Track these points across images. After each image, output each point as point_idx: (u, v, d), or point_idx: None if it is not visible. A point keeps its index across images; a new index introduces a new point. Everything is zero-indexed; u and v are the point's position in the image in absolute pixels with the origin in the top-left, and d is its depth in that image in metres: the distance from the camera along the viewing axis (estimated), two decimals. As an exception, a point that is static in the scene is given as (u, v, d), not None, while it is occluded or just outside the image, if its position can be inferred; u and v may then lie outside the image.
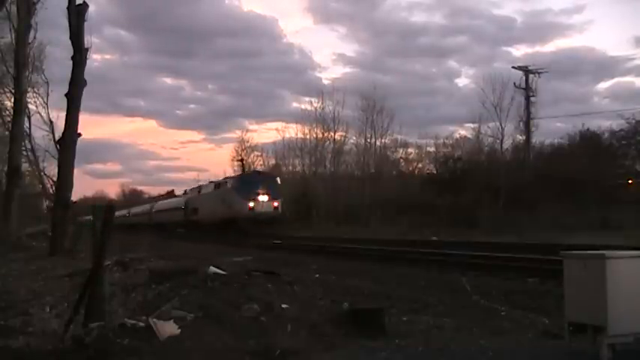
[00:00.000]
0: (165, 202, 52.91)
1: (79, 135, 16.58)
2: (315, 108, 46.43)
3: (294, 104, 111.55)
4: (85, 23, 16.51)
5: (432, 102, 68.78)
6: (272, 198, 31.43)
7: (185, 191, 63.28)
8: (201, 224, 36.44)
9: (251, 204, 30.66)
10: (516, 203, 29.85)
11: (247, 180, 33.03)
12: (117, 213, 51.98)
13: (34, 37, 24.45)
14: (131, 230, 45.72)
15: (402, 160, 47.56)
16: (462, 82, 73.57)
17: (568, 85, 61.19)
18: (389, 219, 34.82)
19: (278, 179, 34.96)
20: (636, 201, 25.90)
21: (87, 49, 16.60)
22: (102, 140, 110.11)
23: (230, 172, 53.37)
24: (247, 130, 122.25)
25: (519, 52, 76.61)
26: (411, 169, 47.23)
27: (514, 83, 36.23)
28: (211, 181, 41.89)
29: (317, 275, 10.46)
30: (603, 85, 69.44)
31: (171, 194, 70.00)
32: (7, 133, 25.65)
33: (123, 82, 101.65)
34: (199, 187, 42.20)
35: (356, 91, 51.80)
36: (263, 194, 31.13)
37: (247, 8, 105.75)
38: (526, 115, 35.65)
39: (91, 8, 16.97)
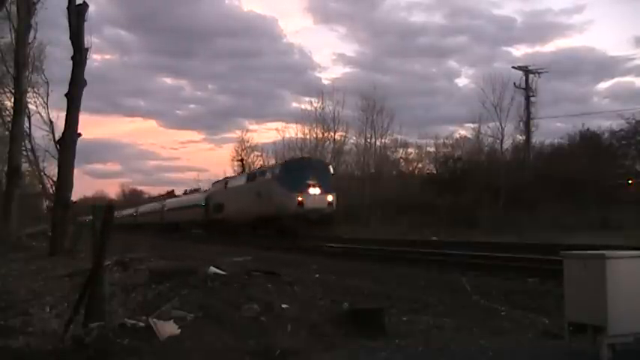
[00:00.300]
0: (179, 200, 48.55)
1: (79, 135, 16.61)
2: (315, 108, 46.41)
3: (294, 104, 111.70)
4: (85, 23, 16.54)
5: (432, 102, 68.97)
6: (325, 191, 25.22)
7: (186, 191, 62.66)
8: (227, 224, 31.31)
9: (300, 198, 24.47)
10: (516, 203, 29.88)
11: (294, 168, 26.40)
12: (123, 212, 51.10)
13: (34, 37, 24.53)
14: (139, 231, 43.40)
15: (402, 160, 47.62)
16: (461, 82, 73.77)
17: (568, 85, 61.34)
18: (389, 219, 34.82)
19: (331, 168, 28.94)
20: (636, 201, 25.93)
21: (87, 49, 16.63)
22: (102, 140, 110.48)
23: (230, 172, 52.82)
24: (247, 130, 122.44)
25: (519, 52, 76.95)
26: (411, 169, 47.30)
27: (514, 83, 36.29)
28: (240, 173, 36.84)
29: (317, 275, 10.46)
30: (603, 85, 69.63)
31: (171, 194, 69.84)
32: (7, 133, 25.68)
33: (123, 82, 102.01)
34: (225, 180, 36.42)
35: (356, 91, 51.91)
36: (314, 186, 24.98)
37: (247, 8, 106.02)
38: (526, 115, 35.70)
39: (91, 8, 17.03)
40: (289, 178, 25.29)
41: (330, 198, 25.33)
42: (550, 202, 27.73)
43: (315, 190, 25.03)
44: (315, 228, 24.95)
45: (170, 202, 49.39)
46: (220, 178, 40.59)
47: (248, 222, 28.31)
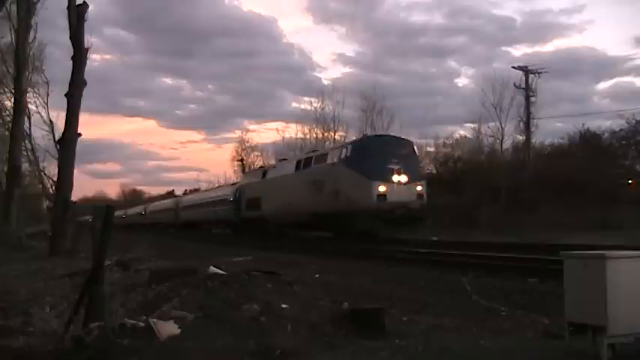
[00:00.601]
0: (200, 195, 43.35)
1: (79, 135, 16.64)
2: (315, 108, 46.33)
3: (294, 104, 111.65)
4: (85, 23, 16.57)
5: (432, 102, 68.92)
6: (412, 179, 19.44)
7: (185, 191, 62.53)
8: (266, 223, 25.90)
9: (382, 188, 18.75)
10: (516, 203, 29.88)
11: (370, 149, 20.03)
12: (130, 211, 47.89)
13: (34, 37, 24.55)
14: (149, 231, 40.17)
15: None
16: (461, 82, 73.77)
17: (568, 85, 61.29)
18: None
19: (415, 148, 22.60)
20: (636, 201, 25.95)
21: (87, 49, 16.66)
22: (102, 140, 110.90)
23: (230, 173, 52.33)
24: (247, 130, 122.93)
25: (519, 52, 76.79)
26: (411, 169, 47.13)
27: (514, 83, 36.26)
28: (282, 159, 30.17)
29: (317, 275, 10.46)
30: (603, 85, 69.51)
31: (171, 194, 69.80)
32: (7, 133, 25.70)
33: (123, 82, 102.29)
34: (263, 169, 29.85)
35: (356, 91, 51.79)
36: (399, 172, 19.12)
37: (247, 8, 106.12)
38: (526, 115, 35.67)
39: (91, 8, 17.08)
40: (365, 162, 19.32)
41: (419, 188, 19.59)
42: (550, 202, 27.73)
43: (400, 178, 19.08)
44: (400, 228, 19.54)
45: (187, 199, 45.25)
46: (256, 167, 35.23)
47: (298, 221, 22.88)
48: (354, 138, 22.45)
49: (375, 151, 19.70)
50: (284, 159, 29.98)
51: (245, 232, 28.06)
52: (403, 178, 19.16)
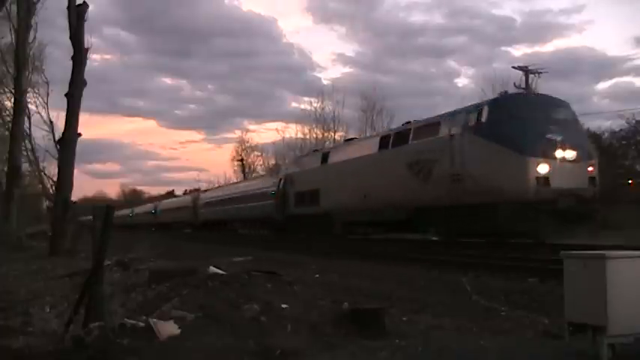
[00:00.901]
0: (225, 190, 37.30)
1: (79, 135, 16.66)
2: (315, 108, 46.34)
3: (294, 104, 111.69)
4: (85, 23, 16.59)
5: (432, 102, 69.00)
6: (582, 156, 13.56)
7: (186, 191, 62.38)
8: (327, 220, 20.69)
9: (542, 168, 12.95)
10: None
11: (515, 110, 13.99)
12: (138, 209, 45.73)
13: (34, 37, 24.63)
14: (159, 231, 39.26)
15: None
16: (461, 82, 73.98)
17: (567, 85, 61.30)
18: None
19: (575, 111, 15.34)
20: (636, 201, 25.93)
21: (87, 49, 16.68)
22: (102, 140, 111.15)
23: (230, 173, 52.20)
24: (247, 130, 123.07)
25: (519, 52, 76.83)
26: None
27: (514, 83, 35.98)
28: (350, 139, 23.75)
29: (317, 275, 10.46)
30: (603, 85, 69.65)
31: (171, 194, 69.73)
32: (7, 133, 25.74)
33: (123, 82, 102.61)
34: (322, 153, 23.20)
35: (356, 91, 51.81)
36: (563, 146, 13.24)
37: (246, 8, 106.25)
38: (526, 115, 35.62)
39: (91, 8, 17.11)
40: (512, 129, 13.50)
41: (590, 169, 13.68)
42: (550, 202, 27.67)
43: (565, 153, 13.21)
44: (571, 226, 13.37)
45: (209, 195, 40.62)
46: (313, 150, 28.02)
47: (386, 218, 17.76)
48: (493, 97, 13.99)
49: (524, 115, 13.65)
50: (352, 138, 23.87)
51: (293, 234, 23.27)
52: (569, 154, 13.24)
